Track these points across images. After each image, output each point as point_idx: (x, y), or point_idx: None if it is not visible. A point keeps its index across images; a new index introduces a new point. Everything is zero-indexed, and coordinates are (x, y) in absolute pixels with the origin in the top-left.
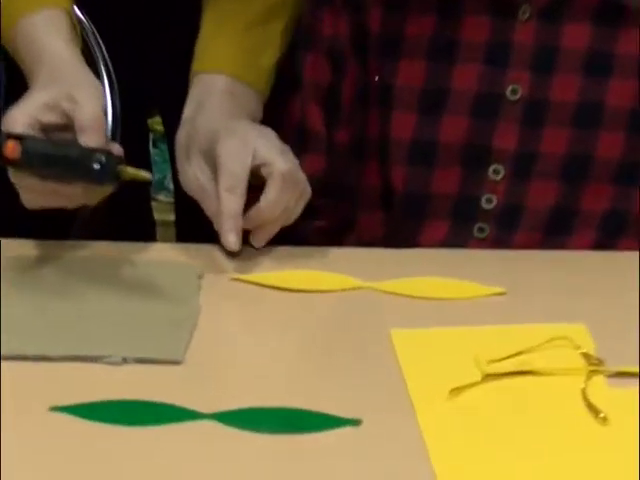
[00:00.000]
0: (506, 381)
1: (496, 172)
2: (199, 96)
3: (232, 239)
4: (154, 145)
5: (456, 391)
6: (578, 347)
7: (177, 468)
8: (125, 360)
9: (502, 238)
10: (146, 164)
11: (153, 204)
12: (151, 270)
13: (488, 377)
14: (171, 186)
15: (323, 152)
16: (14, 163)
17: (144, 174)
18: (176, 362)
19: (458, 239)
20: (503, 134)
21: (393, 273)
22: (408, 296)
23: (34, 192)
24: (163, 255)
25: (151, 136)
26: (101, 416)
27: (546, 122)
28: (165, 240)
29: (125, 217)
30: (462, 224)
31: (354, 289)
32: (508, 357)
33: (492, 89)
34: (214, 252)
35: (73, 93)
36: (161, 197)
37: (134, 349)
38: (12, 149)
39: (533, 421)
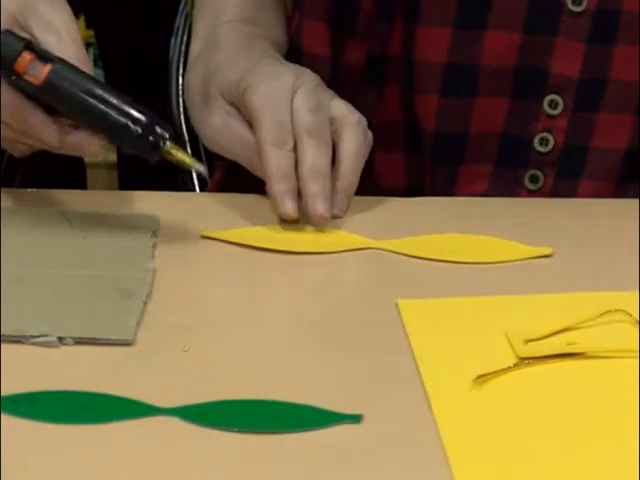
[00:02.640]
0: (547, 366)
1: (554, 104)
2: (208, 25)
3: (289, 205)
4: (95, 64)
5: (482, 379)
6: (638, 322)
7: (129, 477)
8: (61, 340)
9: (561, 189)
10: None
11: None
12: (92, 224)
13: (523, 361)
14: None
15: (326, 80)
16: (31, 86)
17: (195, 163)
18: (126, 343)
19: (503, 190)
20: (563, 55)
21: (410, 230)
22: (426, 259)
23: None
24: (105, 205)
25: (91, 52)
26: (31, 411)
27: (618, 40)
28: (105, 187)
29: (46, 158)
30: (509, 171)
31: (359, 250)
32: (549, 335)
33: None
34: (174, 201)
35: (44, 12)
36: None
37: (72, 327)
38: (41, 70)
39: (582, 417)
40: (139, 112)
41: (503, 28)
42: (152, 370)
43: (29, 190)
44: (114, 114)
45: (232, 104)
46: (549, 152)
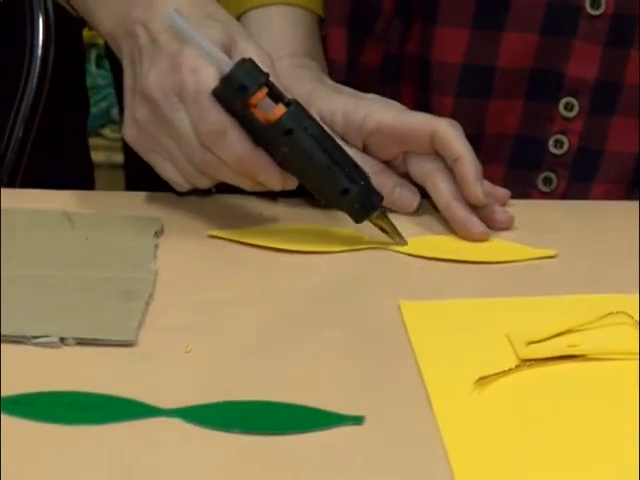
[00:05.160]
0: (548, 368)
1: (569, 107)
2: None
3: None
4: (97, 64)
5: (484, 381)
6: (638, 324)
7: (130, 478)
8: (63, 341)
9: (574, 191)
10: (83, 89)
11: (92, 141)
12: (94, 225)
13: (525, 362)
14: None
15: (341, 83)
16: (256, 122)
17: (395, 235)
18: (127, 344)
19: (516, 192)
20: (580, 58)
21: (416, 231)
22: (430, 258)
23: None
24: (109, 206)
25: (93, 53)
26: (32, 411)
27: (633, 44)
28: (107, 188)
29: (53, 157)
30: (523, 173)
31: (365, 249)
32: (551, 337)
33: (568, 0)
34: (180, 203)
35: (243, 47)
36: (106, 132)
37: (74, 327)
38: (275, 108)
39: (583, 419)
40: (359, 175)
41: (520, 30)
42: (154, 371)
43: (31, 190)
44: (338, 172)
45: (333, 125)
46: (563, 154)
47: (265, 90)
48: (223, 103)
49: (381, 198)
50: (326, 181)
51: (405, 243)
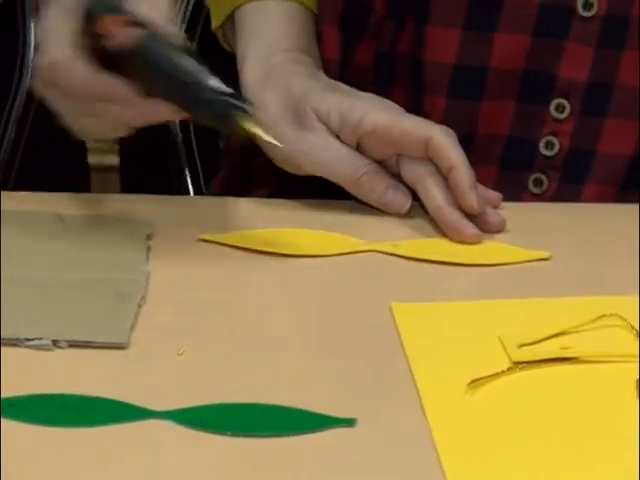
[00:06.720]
0: (541, 370)
1: (560, 108)
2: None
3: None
4: None
5: (476, 383)
6: (633, 327)
7: None
8: (56, 344)
9: (565, 193)
10: None
11: (88, 143)
12: (86, 228)
13: (517, 365)
14: None
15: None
16: (114, 51)
17: (267, 136)
18: (120, 346)
19: (507, 194)
20: (571, 59)
21: (408, 233)
22: (422, 260)
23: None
24: (100, 207)
25: None
26: (25, 414)
27: (626, 46)
28: (103, 190)
29: (48, 159)
30: (513, 174)
31: (355, 252)
32: (543, 339)
33: (560, 1)
34: (172, 206)
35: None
36: None
37: (67, 330)
38: (125, 32)
39: (576, 422)
40: (224, 86)
41: (513, 31)
42: (146, 373)
43: (24, 192)
44: (203, 84)
45: (328, 124)
46: (554, 156)
47: (120, 17)
48: (81, 37)
49: (250, 103)
50: (187, 95)
51: (280, 145)
